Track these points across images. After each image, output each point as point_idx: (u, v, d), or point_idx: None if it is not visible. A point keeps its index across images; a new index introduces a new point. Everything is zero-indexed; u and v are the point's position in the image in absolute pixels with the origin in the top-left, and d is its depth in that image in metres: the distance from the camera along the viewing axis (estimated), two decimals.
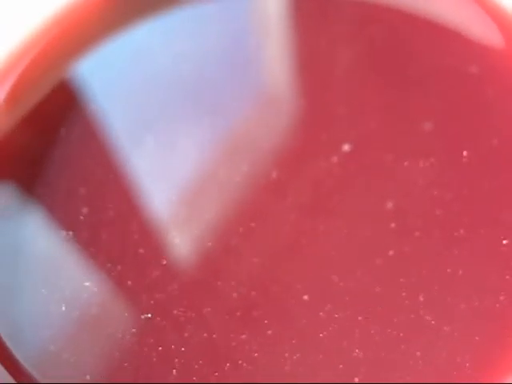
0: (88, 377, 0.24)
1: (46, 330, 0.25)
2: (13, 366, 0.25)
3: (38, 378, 0.25)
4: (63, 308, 0.25)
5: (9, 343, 0.25)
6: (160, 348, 0.24)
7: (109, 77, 0.30)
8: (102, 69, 0.30)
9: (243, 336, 0.24)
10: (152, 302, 0.25)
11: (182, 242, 0.27)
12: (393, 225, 0.26)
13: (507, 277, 0.24)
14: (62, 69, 0.30)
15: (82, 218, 0.27)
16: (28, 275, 0.26)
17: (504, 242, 0.25)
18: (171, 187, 0.27)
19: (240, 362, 0.24)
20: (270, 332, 0.24)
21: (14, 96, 0.30)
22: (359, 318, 0.24)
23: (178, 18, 0.31)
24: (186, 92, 0.29)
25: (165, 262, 0.26)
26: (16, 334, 0.25)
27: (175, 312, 0.25)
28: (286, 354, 0.24)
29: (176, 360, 0.24)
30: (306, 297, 0.25)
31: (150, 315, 0.25)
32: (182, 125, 0.29)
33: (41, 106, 0.29)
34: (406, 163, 0.27)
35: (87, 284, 0.26)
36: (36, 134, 0.29)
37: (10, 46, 0.30)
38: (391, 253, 0.25)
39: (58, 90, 0.30)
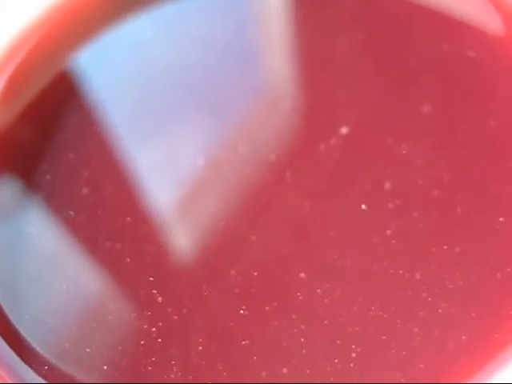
0: (88, 350, 0.25)
1: (48, 307, 0.26)
2: (18, 344, 0.25)
3: (42, 352, 0.25)
4: (64, 286, 0.26)
5: (13, 320, 0.25)
6: (160, 324, 0.25)
7: (108, 67, 0.30)
8: (101, 59, 0.30)
9: (241, 312, 0.24)
10: (151, 279, 0.25)
11: (180, 221, 0.27)
12: (390, 205, 0.26)
13: (504, 254, 0.25)
14: (60, 59, 0.30)
15: (82, 198, 0.27)
16: (31, 256, 0.26)
17: (500, 219, 0.25)
18: (170, 169, 0.28)
19: (238, 337, 0.24)
20: (267, 308, 0.24)
21: (12, 86, 0.30)
22: (356, 294, 0.24)
23: (177, 9, 0.31)
24: (186, 80, 0.29)
25: (163, 241, 0.26)
26: (19, 311, 0.25)
27: (174, 289, 0.25)
28: (284, 330, 0.24)
29: (175, 335, 0.24)
30: (302, 274, 0.25)
31: (148, 292, 0.25)
32: (181, 111, 0.29)
33: (39, 97, 0.29)
34: (404, 145, 0.27)
35: (87, 262, 0.26)
36: (35, 124, 0.29)
37: (8, 37, 0.31)
38: (389, 232, 0.25)
39: (56, 81, 0.30)
